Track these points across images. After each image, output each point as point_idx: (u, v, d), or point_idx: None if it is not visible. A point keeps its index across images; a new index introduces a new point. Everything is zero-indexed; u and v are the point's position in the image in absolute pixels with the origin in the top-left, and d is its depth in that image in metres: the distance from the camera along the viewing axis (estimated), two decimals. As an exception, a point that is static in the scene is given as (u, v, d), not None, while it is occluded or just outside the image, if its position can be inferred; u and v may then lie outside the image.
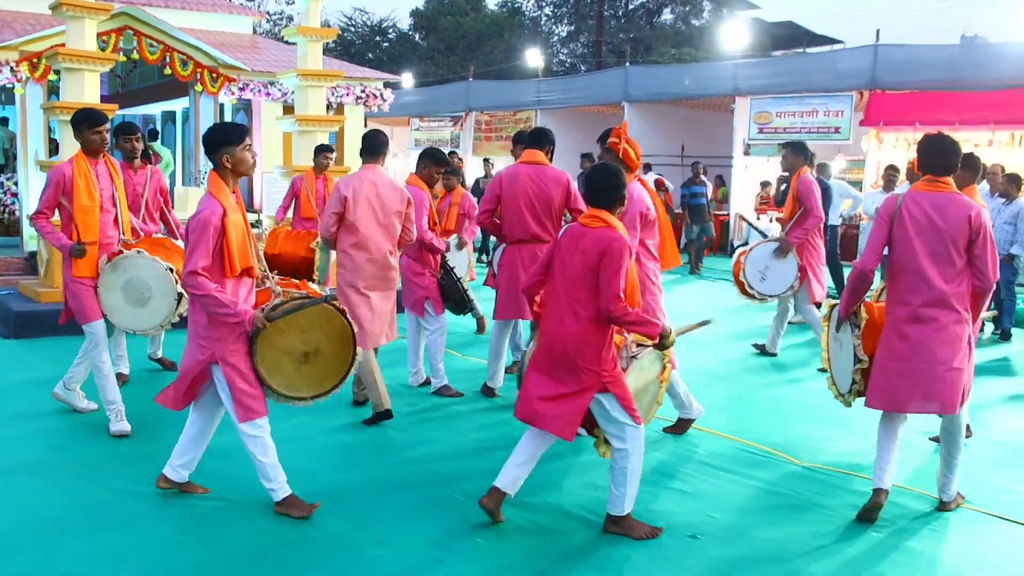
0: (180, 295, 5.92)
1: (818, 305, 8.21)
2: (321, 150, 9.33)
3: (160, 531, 4.40)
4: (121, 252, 5.94)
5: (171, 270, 5.96)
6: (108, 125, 6.03)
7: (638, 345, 4.70)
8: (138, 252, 5.95)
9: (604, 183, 4.39)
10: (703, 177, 16.92)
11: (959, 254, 4.62)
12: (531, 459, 4.56)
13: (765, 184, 18.19)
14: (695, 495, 5.08)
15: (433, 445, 5.86)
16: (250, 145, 4.59)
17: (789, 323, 9.05)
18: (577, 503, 4.90)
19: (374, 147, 6.26)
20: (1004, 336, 9.96)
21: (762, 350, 8.87)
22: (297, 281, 5.05)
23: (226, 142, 4.48)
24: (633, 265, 4.42)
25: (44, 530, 4.37)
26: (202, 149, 5.19)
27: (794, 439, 6.14)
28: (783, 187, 10.99)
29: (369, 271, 6.08)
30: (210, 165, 4.55)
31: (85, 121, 5.88)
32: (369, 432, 6.07)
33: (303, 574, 4.02)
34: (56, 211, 5.96)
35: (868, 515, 4.74)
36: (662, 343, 4.54)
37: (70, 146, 9.18)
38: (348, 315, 4.76)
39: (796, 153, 8.37)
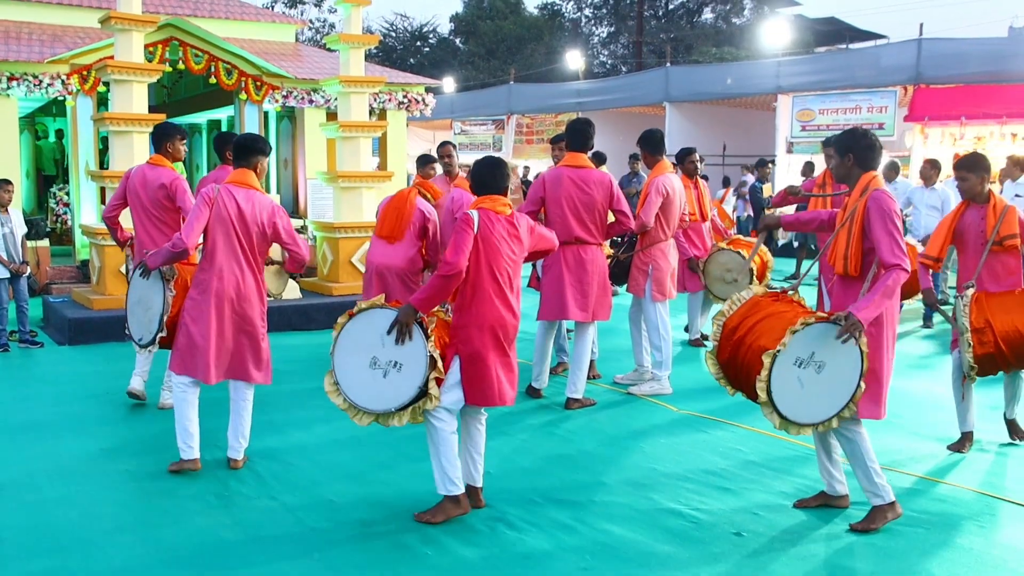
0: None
1: None
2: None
3: (209, 529, 4.51)
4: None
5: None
6: None
7: None
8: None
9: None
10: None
11: None
12: None
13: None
14: (740, 493, 5.08)
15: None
16: None
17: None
18: (616, 501, 4.94)
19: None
20: None
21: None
22: None
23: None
24: None
25: (100, 528, 4.49)
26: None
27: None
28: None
29: None
30: None
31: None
32: (413, 430, 6.13)
33: (350, 572, 4.09)
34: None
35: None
36: None
37: (120, 157, 9.39)
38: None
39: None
